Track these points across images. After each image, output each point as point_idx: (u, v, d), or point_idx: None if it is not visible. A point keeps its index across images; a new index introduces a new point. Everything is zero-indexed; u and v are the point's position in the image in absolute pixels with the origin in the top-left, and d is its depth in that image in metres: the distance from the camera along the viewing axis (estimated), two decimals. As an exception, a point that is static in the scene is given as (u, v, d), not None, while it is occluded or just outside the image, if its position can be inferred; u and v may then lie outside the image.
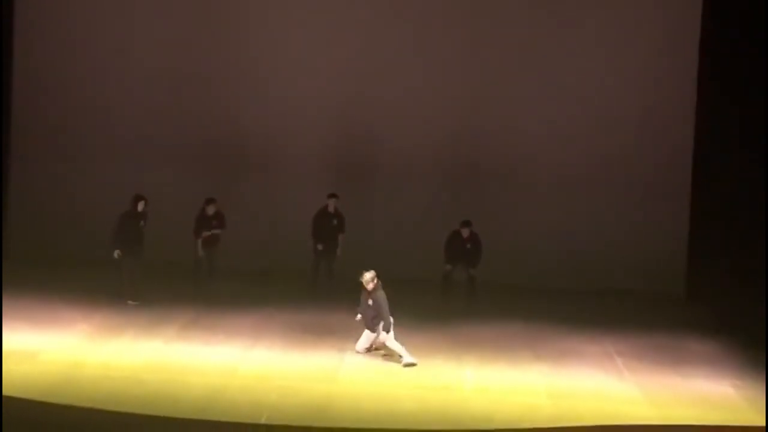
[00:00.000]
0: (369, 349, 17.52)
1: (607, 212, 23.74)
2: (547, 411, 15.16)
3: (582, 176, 23.81)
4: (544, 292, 22.70)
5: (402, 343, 17.34)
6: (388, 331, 17.34)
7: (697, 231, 23.37)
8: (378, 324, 17.40)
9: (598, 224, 23.66)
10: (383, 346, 17.51)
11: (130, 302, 19.97)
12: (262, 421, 14.13)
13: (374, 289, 17.45)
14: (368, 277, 17.51)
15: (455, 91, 23.99)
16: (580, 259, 23.41)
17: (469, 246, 21.90)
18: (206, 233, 21.67)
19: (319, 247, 21.86)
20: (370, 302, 17.45)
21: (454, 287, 21.93)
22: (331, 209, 22.04)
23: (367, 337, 17.57)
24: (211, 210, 21.76)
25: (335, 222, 22.00)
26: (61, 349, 17.05)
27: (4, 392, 14.31)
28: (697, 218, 23.43)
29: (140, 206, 20.56)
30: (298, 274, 22.07)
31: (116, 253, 20.17)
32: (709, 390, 16.54)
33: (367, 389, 16.00)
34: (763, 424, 14.66)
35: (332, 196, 22.13)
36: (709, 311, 21.54)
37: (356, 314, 17.77)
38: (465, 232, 21.88)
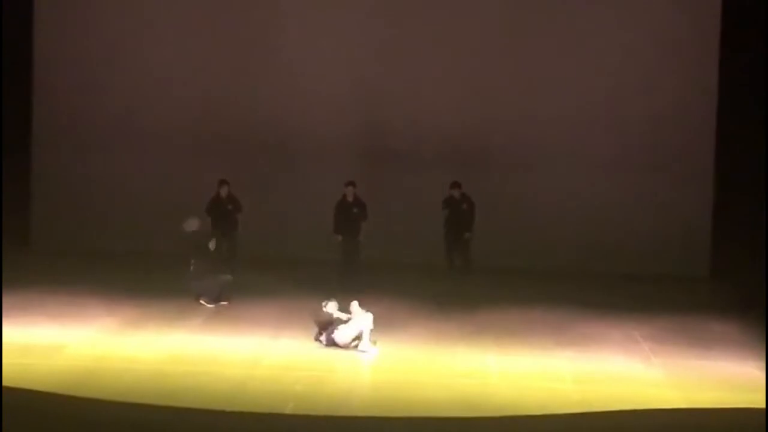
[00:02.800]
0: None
1: (630, 195, 23.66)
2: (573, 396, 15.11)
3: (604, 159, 23.72)
4: (567, 277, 22.65)
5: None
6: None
7: (720, 212, 23.28)
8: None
9: (621, 207, 23.59)
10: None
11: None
12: (288, 411, 14.12)
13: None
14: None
15: (474, 75, 23.92)
16: (603, 243, 23.33)
17: (464, 206, 21.97)
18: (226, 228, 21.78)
19: (338, 237, 21.80)
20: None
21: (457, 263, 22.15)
22: (349, 198, 21.95)
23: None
24: (224, 191, 21.82)
25: (355, 210, 21.92)
26: (85, 342, 17.09)
27: (30, 387, 14.37)
28: (720, 199, 23.34)
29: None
30: (322, 264, 22.02)
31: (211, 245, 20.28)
32: (734, 372, 16.46)
33: (391, 378, 15.98)
34: (790, 405, 14.57)
35: (349, 184, 22.06)
36: (733, 292, 21.45)
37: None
38: (456, 194, 21.95)
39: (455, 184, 22.21)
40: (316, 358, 16.64)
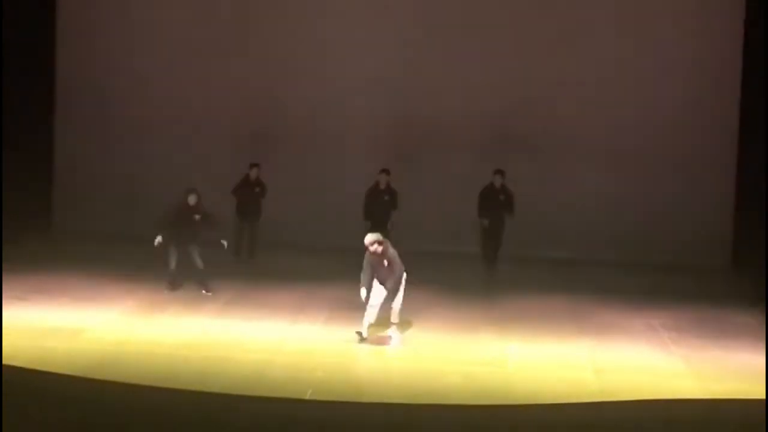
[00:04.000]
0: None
1: (653, 184, 23.69)
2: (593, 386, 15.07)
3: (627, 148, 23.76)
4: (588, 267, 22.67)
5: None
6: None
7: (742, 203, 23.21)
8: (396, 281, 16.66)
9: (644, 197, 23.63)
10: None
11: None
12: (307, 396, 14.13)
13: (385, 250, 16.66)
14: (372, 239, 16.62)
15: (503, 65, 23.97)
16: (625, 233, 23.37)
17: (502, 197, 21.94)
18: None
19: (368, 224, 21.80)
20: (386, 263, 16.67)
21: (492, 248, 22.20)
22: (382, 185, 21.95)
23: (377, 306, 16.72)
24: (254, 174, 21.90)
25: (386, 198, 21.91)
26: (105, 326, 17.13)
27: (50, 369, 14.44)
28: (742, 190, 23.26)
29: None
30: (343, 250, 22.02)
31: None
32: (756, 363, 16.36)
33: (411, 364, 15.97)
34: (811, 397, 14.50)
35: (383, 171, 22.04)
36: (754, 283, 21.34)
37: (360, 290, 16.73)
38: (497, 181, 21.91)
39: (498, 171, 22.15)
40: (337, 345, 16.62)
